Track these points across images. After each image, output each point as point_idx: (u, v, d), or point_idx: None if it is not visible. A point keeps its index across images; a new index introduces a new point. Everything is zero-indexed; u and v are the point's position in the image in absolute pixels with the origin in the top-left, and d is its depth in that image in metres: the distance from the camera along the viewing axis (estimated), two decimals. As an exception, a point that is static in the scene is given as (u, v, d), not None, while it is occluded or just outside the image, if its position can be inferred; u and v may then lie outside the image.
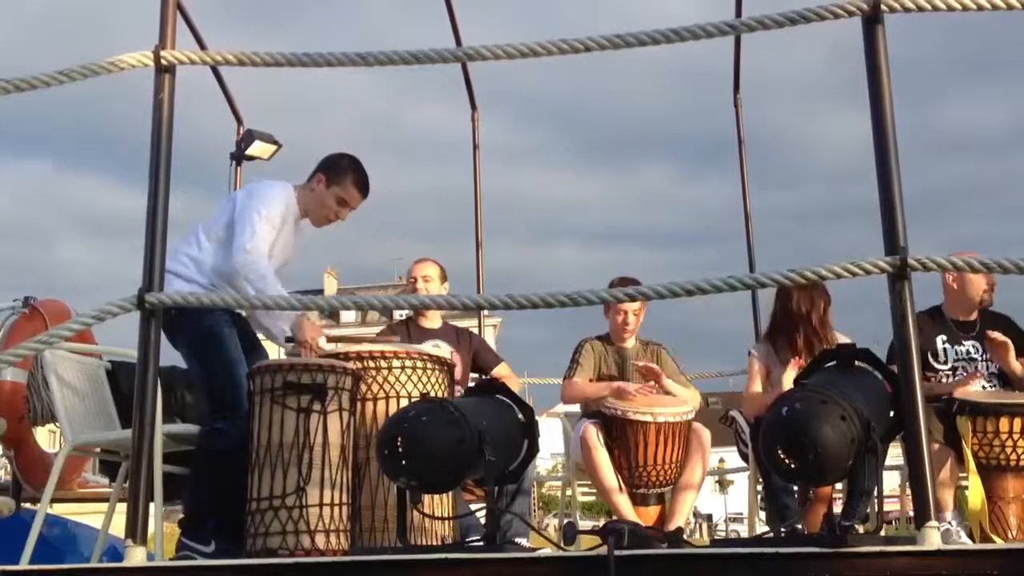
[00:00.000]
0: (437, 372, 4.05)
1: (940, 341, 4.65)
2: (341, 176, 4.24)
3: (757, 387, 4.79)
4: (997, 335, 4.49)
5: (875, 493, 3.17)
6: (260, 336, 4.34)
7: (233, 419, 3.83)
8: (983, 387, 4.57)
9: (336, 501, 3.59)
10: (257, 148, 7.02)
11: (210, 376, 3.99)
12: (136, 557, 2.96)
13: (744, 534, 6.81)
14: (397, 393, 3.91)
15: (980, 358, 4.65)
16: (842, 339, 4.57)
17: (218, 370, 3.95)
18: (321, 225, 4.33)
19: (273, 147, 7.11)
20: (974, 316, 4.71)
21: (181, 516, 3.93)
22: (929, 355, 4.58)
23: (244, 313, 4.28)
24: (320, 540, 3.51)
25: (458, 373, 4.71)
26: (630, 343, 5.12)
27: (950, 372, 4.64)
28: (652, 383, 4.84)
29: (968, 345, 4.66)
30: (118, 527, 3.51)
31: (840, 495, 4.54)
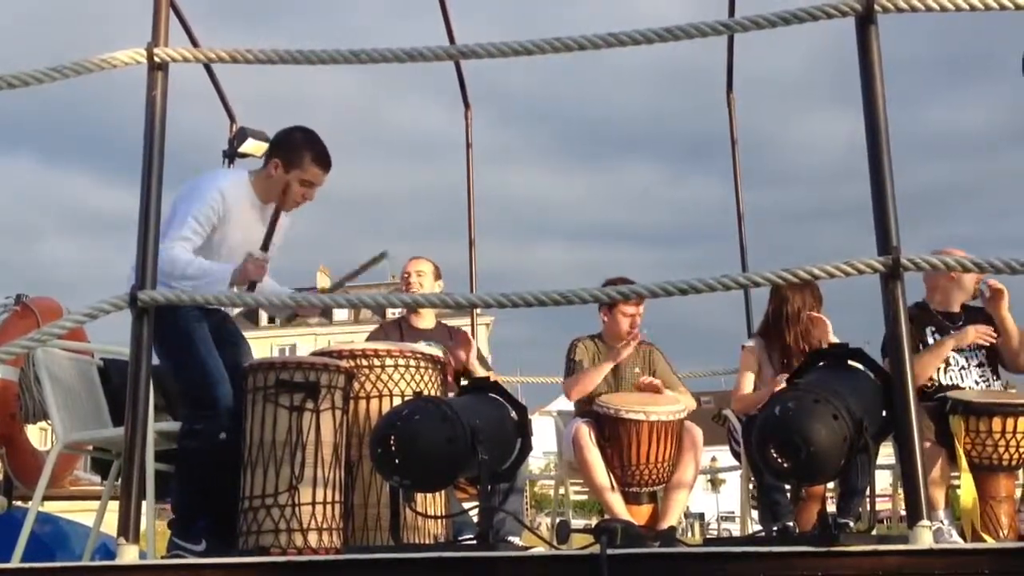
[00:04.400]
0: (430, 371, 4.05)
1: (929, 332, 4.69)
2: (297, 157, 3.99)
3: (748, 385, 4.82)
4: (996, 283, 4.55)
5: (868, 492, 3.17)
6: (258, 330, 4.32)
7: (211, 417, 3.77)
8: (973, 385, 4.60)
9: (329, 499, 3.59)
10: (250, 146, 6.94)
11: (184, 375, 3.89)
12: (128, 555, 2.95)
13: (736, 533, 6.83)
14: (390, 392, 3.91)
15: (967, 349, 4.67)
16: (833, 340, 4.58)
17: (191, 369, 3.85)
18: (290, 209, 4.08)
19: (266, 145, 7.04)
20: (958, 308, 4.75)
21: (171, 517, 3.90)
22: (921, 347, 4.61)
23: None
24: (313, 538, 3.51)
25: (451, 373, 4.70)
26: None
27: (942, 364, 4.66)
28: (638, 333, 4.96)
29: None
30: (110, 525, 3.49)
31: (832, 494, 4.57)
